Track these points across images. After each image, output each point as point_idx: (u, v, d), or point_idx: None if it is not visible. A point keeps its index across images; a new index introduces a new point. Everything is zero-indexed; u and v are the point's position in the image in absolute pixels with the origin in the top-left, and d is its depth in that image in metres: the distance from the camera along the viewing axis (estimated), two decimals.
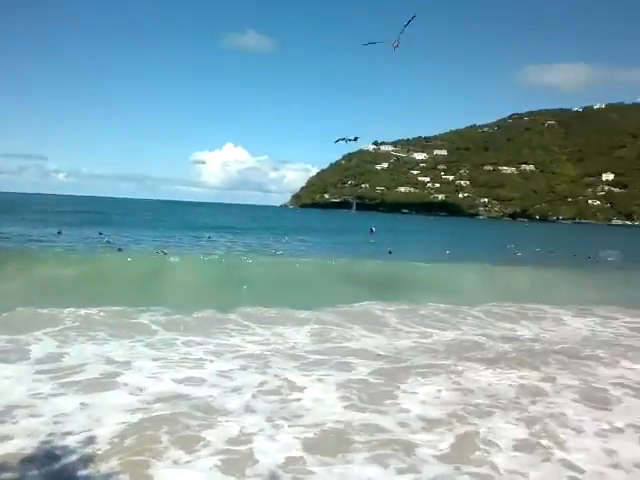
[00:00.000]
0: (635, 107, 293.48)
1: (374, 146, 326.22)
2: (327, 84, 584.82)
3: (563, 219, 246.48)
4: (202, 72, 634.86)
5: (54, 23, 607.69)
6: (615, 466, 7.07)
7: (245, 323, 15.05)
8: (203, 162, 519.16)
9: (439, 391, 9.85)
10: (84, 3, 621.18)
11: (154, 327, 14.02)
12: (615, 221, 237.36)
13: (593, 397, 9.89)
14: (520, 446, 7.59)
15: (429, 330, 15.42)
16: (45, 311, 14.45)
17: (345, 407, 8.86)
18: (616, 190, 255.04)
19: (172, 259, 22.35)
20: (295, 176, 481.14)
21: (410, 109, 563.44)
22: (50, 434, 7.24)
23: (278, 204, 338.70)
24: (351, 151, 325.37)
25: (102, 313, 14.74)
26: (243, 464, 6.71)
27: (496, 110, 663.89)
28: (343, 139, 15.28)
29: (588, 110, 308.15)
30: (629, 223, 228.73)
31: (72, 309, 14.72)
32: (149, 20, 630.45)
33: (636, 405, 9.59)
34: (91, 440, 7.09)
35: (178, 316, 15.08)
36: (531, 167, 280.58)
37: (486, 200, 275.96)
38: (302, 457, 6.95)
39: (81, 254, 25.32)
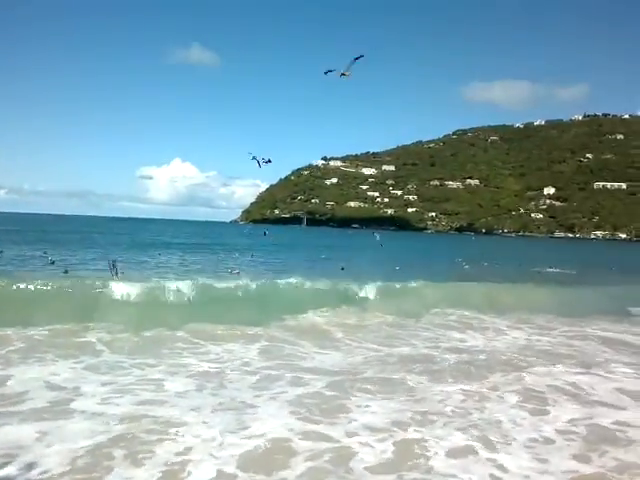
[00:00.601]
0: (573, 124, 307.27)
1: (323, 161, 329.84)
2: (275, 98, 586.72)
3: (508, 232, 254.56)
4: (148, 86, 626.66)
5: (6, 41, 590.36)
6: (543, 472, 7.57)
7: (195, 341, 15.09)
8: (150, 177, 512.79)
9: (388, 402, 10.22)
10: (30, 19, 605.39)
11: (100, 347, 13.88)
12: (557, 233, 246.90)
13: (531, 402, 10.50)
14: (457, 452, 8.03)
15: (377, 345, 15.78)
16: None
17: (296, 420, 9.12)
18: (557, 204, 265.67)
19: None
20: (245, 192, 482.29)
21: (358, 124, 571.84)
22: None
23: (228, 220, 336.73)
24: (300, 167, 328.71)
25: (47, 333, 14.50)
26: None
27: (442, 126, 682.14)
28: (255, 158, 15.42)
29: (529, 126, 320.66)
30: (570, 235, 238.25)
31: (16, 329, 14.46)
32: (93, 33, 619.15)
33: (570, 409, 10.23)
34: (43, 467, 7.09)
35: (126, 335, 15.02)
36: (476, 182, 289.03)
37: (434, 214, 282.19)
38: (236, 472, 7.19)
39: (23, 274, 24.66)
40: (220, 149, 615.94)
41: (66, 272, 26.12)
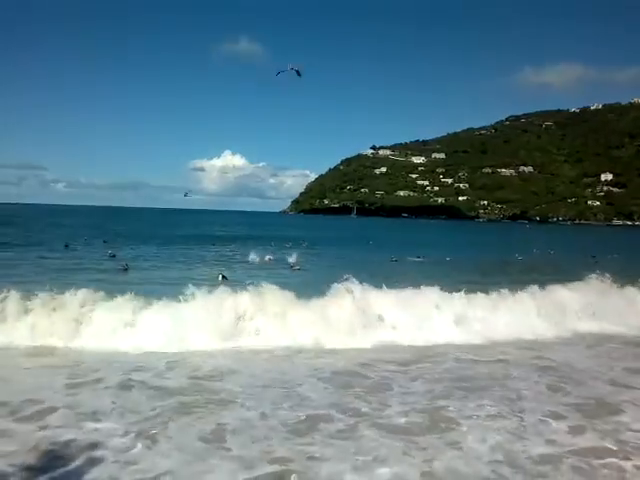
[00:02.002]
0: (632, 107, 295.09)
1: (372, 150, 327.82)
2: (324, 89, 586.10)
3: (563, 220, 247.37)
4: (199, 80, 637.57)
5: (51, 35, 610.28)
6: None
7: None
8: (202, 170, 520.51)
9: None
10: (82, 16, 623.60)
11: None
12: (615, 221, 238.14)
13: None
14: None
15: None
16: None
17: None
18: (615, 190, 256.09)
19: None
20: (294, 182, 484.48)
21: (407, 112, 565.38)
22: None
23: (277, 210, 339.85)
24: (350, 156, 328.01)
25: None
26: None
27: (493, 113, 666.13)
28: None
29: (585, 111, 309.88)
30: (629, 223, 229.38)
31: None
32: (147, 29, 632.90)
33: None
34: None
35: None
36: (529, 169, 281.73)
37: (485, 202, 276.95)
38: None
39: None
40: (269, 140, 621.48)
41: (126, 270, 26.63)
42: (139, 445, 6.84)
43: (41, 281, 18.10)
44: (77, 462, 6.30)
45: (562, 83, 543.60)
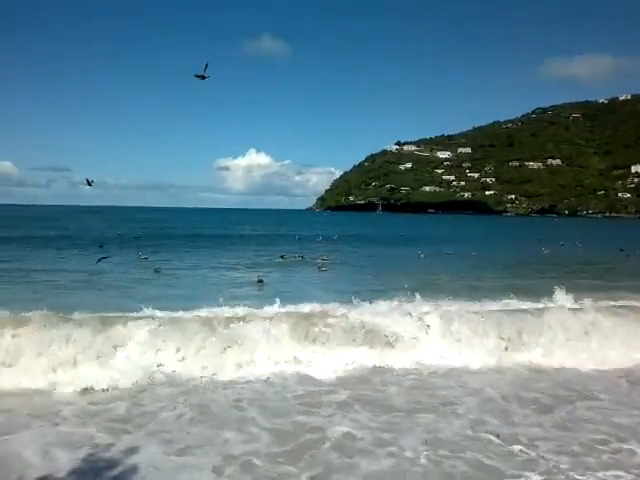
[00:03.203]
0: None
1: (397, 146, 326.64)
2: (346, 85, 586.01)
3: (592, 213, 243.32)
4: (221, 79, 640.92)
5: (74, 37, 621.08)
6: None
7: None
8: (227, 169, 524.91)
9: None
10: (100, 17, 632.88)
11: None
12: None
13: None
14: None
15: None
16: None
17: None
18: None
19: None
20: (319, 179, 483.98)
21: (432, 107, 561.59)
22: None
23: (303, 208, 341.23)
24: (374, 152, 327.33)
25: None
26: None
27: (519, 105, 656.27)
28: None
29: (614, 101, 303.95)
30: None
31: None
32: (172, 29, 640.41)
33: None
34: None
35: None
36: (557, 161, 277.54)
37: (513, 197, 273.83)
38: None
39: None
40: (294, 138, 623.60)
41: (157, 271, 27.29)
42: None
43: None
44: None
45: (590, 74, 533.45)
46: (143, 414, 9.13)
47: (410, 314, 13.92)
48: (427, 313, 14.07)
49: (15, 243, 43.01)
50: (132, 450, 7.70)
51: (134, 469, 7.15)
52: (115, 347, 11.43)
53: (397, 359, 12.34)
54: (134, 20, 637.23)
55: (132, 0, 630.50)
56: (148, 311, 13.35)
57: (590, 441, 8.36)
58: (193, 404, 9.62)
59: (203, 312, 13.66)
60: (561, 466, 7.49)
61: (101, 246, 40.84)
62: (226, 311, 13.77)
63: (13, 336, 11.20)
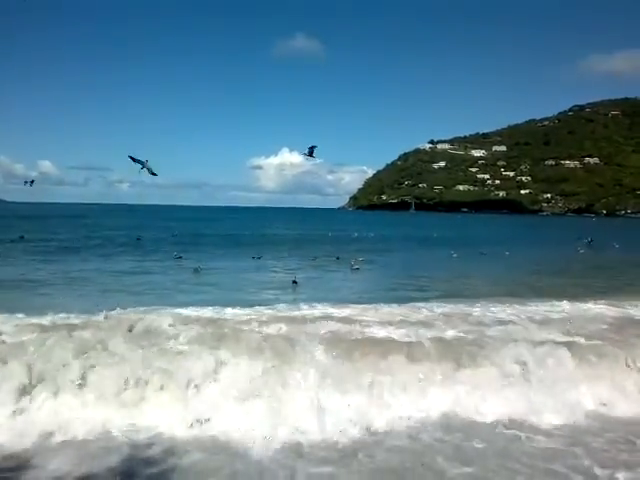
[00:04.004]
0: None
1: (430, 145, 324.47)
2: (379, 83, 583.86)
3: (632, 213, 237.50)
4: (255, 79, 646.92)
5: (110, 38, 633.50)
6: None
7: None
8: (260, 167, 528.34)
9: None
10: (140, 19, 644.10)
11: None
12: None
13: None
14: None
15: None
16: None
17: None
18: None
19: None
20: (352, 178, 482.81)
21: (466, 105, 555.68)
22: None
23: (335, 207, 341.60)
24: (407, 151, 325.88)
25: None
26: None
27: (556, 103, 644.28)
28: None
29: None
30: None
31: None
32: (199, 31, 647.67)
33: None
34: None
35: None
36: (595, 160, 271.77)
37: (549, 196, 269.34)
38: None
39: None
40: (326, 136, 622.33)
41: (197, 271, 27.92)
42: None
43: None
44: None
45: (629, 70, 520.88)
46: None
47: None
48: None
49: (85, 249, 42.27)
50: None
51: None
52: None
53: None
54: (166, 20, 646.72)
55: (166, 2, 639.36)
56: None
57: None
58: None
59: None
60: None
61: (139, 239, 41.98)
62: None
63: None
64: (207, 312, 14.61)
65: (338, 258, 35.77)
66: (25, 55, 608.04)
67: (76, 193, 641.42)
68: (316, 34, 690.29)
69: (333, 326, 12.91)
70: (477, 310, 16.57)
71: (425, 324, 13.85)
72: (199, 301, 17.31)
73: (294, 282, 24.55)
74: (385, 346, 11.20)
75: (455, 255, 39.26)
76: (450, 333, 12.80)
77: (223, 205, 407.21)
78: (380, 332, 12.67)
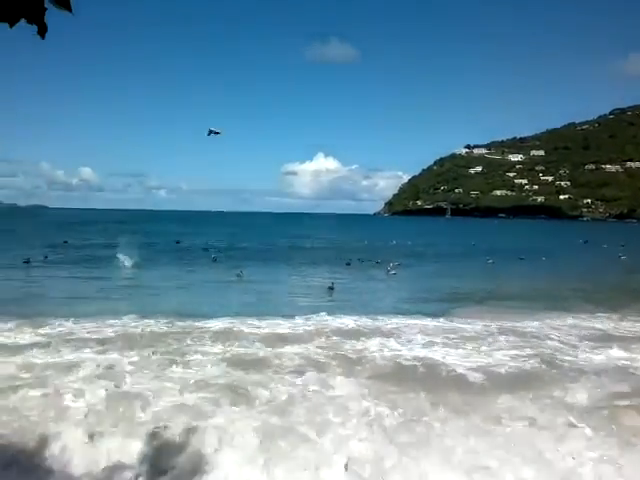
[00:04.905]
0: None
1: (466, 149, 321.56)
2: (415, 89, 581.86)
3: None
4: (289, 84, 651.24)
5: (158, 43, 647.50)
6: None
7: None
8: (295, 173, 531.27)
9: None
10: (177, 27, 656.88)
11: None
12: None
13: None
14: None
15: None
16: None
17: None
18: None
19: None
20: (387, 183, 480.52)
21: (502, 109, 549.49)
22: None
23: (370, 212, 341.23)
24: (443, 156, 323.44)
25: None
26: None
27: (596, 106, 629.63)
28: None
29: None
30: None
31: None
32: (234, 38, 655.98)
33: None
34: None
35: None
36: (637, 164, 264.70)
37: (589, 201, 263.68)
38: None
39: None
40: (361, 142, 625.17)
41: (239, 276, 29.04)
42: None
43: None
44: None
45: None
46: None
47: None
48: None
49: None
50: None
51: None
52: None
53: None
54: (199, 28, 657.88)
55: (203, 9, 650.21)
56: None
57: None
58: None
59: None
60: None
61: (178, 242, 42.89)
62: None
63: None
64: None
65: (379, 262, 36.56)
66: (69, 67, 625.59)
67: (115, 199, 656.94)
68: (350, 38, 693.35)
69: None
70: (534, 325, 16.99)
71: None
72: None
73: (330, 288, 25.17)
74: None
75: (491, 261, 39.27)
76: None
77: (257, 210, 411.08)
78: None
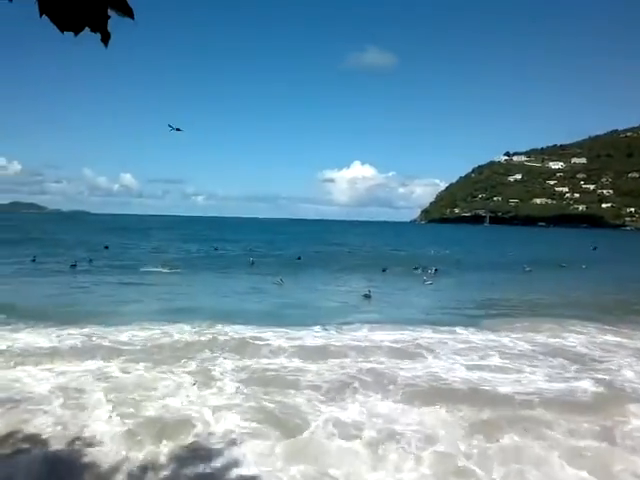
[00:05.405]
0: None
1: (506, 157, 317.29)
2: (452, 96, 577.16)
3: None
4: (328, 93, 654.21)
5: (186, 49, 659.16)
6: None
7: None
8: (332, 180, 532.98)
9: None
10: (209, 35, 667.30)
11: None
12: None
13: None
14: None
15: None
16: None
17: None
18: None
19: None
20: (424, 191, 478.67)
21: (543, 116, 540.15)
22: None
23: (407, 219, 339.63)
24: (481, 164, 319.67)
25: None
26: None
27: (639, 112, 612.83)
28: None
29: None
30: None
31: None
32: (270, 45, 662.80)
33: None
34: None
35: None
36: None
37: (633, 210, 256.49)
38: None
39: None
40: (398, 149, 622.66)
41: (278, 283, 29.47)
42: None
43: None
44: None
45: None
46: None
47: None
48: None
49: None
50: None
51: None
52: None
53: None
54: (237, 30, 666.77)
55: (239, 15, 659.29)
56: None
57: None
58: None
59: None
60: None
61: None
62: None
63: None
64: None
65: (416, 268, 36.78)
66: (107, 75, 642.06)
67: (154, 205, 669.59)
68: (388, 45, 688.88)
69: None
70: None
71: None
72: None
73: (367, 296, 25.26)
74: None
75: (529, 269, 38.84)
76: None
77: (294, 217, 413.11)
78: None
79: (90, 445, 8.31)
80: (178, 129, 15.30)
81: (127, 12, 2.21)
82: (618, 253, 66.80)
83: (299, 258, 46.10)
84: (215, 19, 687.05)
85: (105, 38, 2.25)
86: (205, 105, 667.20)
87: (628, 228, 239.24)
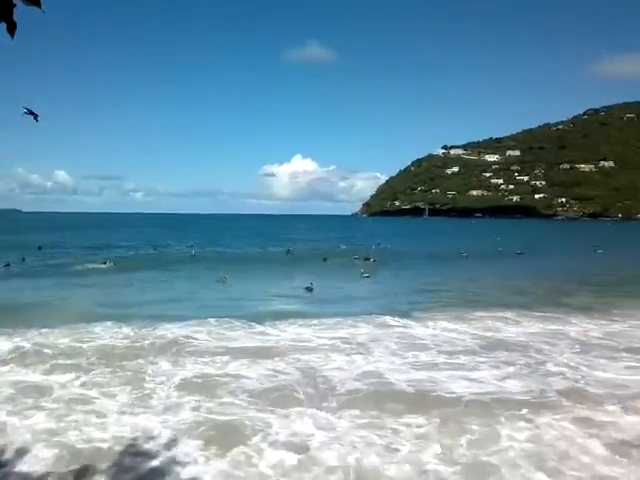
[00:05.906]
0: None
1: (443, 150, 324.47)
2: (391, 90, 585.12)
3: None
4: (267, 87, 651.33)
5: (124, 45, 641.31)
6: None
7: None
8: (273, 175, 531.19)
9: None
10: (152, 25, 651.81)
11: None
12: None
13: None
14: None
15: None
16: None
17: None
18: None
19: None
20: (364, 184, 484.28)
21: (479, 110, 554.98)
22: None
23: (349, 213, 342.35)
24: (420, 157, 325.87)
25: None
26: None
27: (570, 107, 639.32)
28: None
29: None
30: None
31: None
32: (211, 39, 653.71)
33: None
34: None
35: None
36: (610, 163, 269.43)
37: (564, 200, 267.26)
38: None
39: None
40: (339, 143, 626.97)
41: (221, 281, 28.84)
42: None
43: None
44: None
45: None
46: None
47: None
48: None
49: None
50: None
51: None
52: None
53: None
54: (177, 25, 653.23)
55: (178, 8, 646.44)
56: None
57: None
58: None
59: None
60: None
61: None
62: None
63: None
64: None
65: (356, 258, 38.15)
66: (41, 68, 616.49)
67: (90, 202, 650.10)
68: (327, 39, 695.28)
69: None
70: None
71: None
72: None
73: (309, 289, 25.23)
74: None
75: (465, 254, 39.61)
76: None
77: (235, 213, 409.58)
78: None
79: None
80: (33, 113, 13.21)
81: (34, 1, 1.92)
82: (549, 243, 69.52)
83: (289, 251, 48.23)
84: (152, 14, 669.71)
85: (11, 28, 1.94)
86: (141, 101, 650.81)
87: (559, 218, 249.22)
